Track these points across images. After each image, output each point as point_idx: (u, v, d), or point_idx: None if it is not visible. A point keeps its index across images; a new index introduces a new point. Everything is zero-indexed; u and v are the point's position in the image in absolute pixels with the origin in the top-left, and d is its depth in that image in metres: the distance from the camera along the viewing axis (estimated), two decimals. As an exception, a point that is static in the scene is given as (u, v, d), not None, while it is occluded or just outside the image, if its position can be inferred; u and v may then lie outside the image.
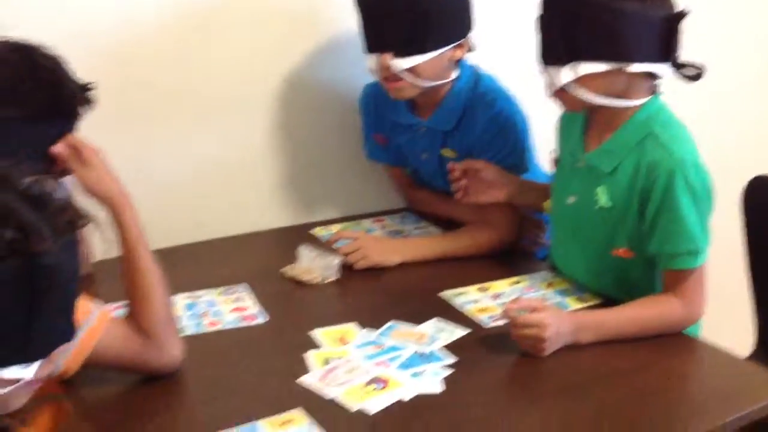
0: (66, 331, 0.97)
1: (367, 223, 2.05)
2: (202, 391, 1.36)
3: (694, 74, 1.51)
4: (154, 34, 1.83)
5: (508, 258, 1.84)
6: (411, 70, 1.75)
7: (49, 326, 0.93)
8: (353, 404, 1.30)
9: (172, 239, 1.87)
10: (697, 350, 1.50)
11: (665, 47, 1.49)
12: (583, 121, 1.63)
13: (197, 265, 1.82)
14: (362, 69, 1.86)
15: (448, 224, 1.97)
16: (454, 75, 1.85)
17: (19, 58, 1.33)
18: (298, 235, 1.91)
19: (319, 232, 1.98)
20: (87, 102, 1.39)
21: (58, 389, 1.38)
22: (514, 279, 1.73)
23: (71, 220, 0.95)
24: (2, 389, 0.91)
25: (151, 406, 1.31)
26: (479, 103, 1.85)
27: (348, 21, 1.90)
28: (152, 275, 1.36)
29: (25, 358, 0.92)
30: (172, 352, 1.35)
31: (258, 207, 2.03)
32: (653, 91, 1.55)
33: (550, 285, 1.70)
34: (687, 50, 1.52)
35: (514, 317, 1.43)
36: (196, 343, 1.47)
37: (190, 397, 1.36)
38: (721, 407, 1.32)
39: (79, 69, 1.40)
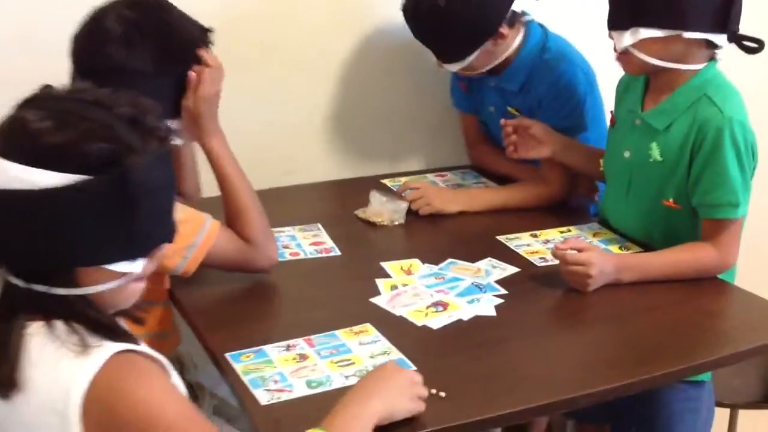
0: (164, 233, 1.11)
1: (431, 176, 2.23)
2: (288, 305, 1.59)
3: (754, 47, 1.64)
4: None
5: (560, 211, 2.00)
6: (463, 69, 2.00)
7: (148, 228, 1.06)
8: (417, 321, 1.50)
9: (256, 184, 2.07)
10: (727, 292, 1.66)
11: (721, 18, 1.62)
12: (643, 84, 1.77)
13: (279, 206, 2.00)
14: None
15: (506, 182, 2.14)
16: (516, 42, 2.00)
17: (139, 14, 1.50)
18: (368, 185, 2.09)
19: (388, 182, 2.17)
20: (207, 44, 1.56)
21: (165, 296, 1.61)
22: (564, 228, 1.90)
23: (162, 137, 1.08)
24: (115, 282, 1.07)
25: (244, 315, 1.53)
26: (543, 67, 2.01)
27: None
28: (245, 191, 1.59)
29: (131, 255, 1.06)
30: (270, 254, 1.59)
31: (334, 159, 2.23)
32: (711, 58, 1.69)
33: (596, 235, 1.86)
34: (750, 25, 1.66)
35: (563, 255, 1.60)
36: (281, 268, 1.67)
37: (277, 309, 1.59)
38: (745, 338, 1.50)
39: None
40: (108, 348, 1.04)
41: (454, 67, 2.00)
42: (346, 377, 1.33)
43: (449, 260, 1.73)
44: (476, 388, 1.32)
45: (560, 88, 2.00)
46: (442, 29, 1.93)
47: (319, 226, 1.89)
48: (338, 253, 1.77)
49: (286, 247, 1.79)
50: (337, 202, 2.08)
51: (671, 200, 1.71)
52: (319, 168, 2.21)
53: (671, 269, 1.65)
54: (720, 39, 1.65)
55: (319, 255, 1.77)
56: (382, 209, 1.92)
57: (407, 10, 1.99)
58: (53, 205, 1.01)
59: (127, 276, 1.08)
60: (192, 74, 1.54)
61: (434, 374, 1.33)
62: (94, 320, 1.07)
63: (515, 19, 1.97)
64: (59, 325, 1.05)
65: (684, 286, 1.63)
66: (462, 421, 1.25)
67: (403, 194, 2.00)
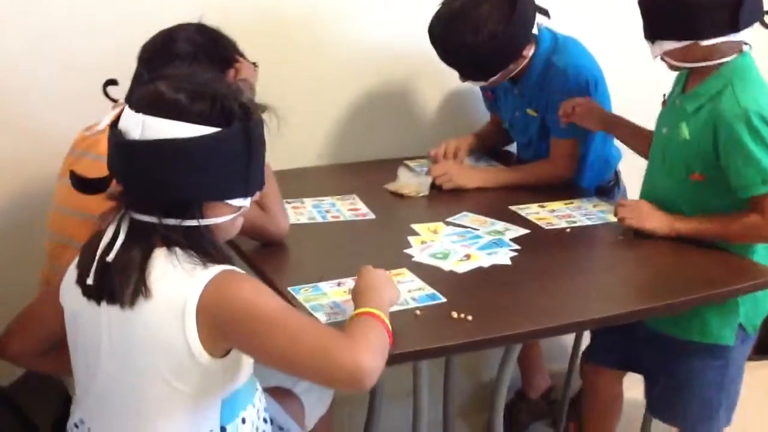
0: (262, 180, 1.40)
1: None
2: (334, 254, 1.88)
3: None
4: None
5: (564, 188, 2.27)
6: (489, 82, 2.22)
7: (256, 173, 1.37)
8: (445, 267, 1.78)
9: (294, 163, 2.36)
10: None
11: (732, 21, 1.79)
12: (687, 70, 1.99)
13: (320, 181, 2.32)
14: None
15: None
16: (531, 52, 2.22)
17: (208, 38, 1.81)
18: (394, 166, 2.37)
19: (410, 163, 2.45)
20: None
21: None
22: (567, 200, 2.18)
23: (261, 109, 1.40)
24: (230, 215, 1.36)
25: (300, 261, 1.83)
26: (553, 71, 2.23)
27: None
28: None
29: (245, 193, 1.37)
30: (281, 224, 1.81)
31: (364, 141, 2.52)
32: (740, 50, 1.87)
33: (595, 206, 2.15)
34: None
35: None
36: (325, 227, 1.97)
37: (326, 257, 1.87)
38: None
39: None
40: (216, 267, 1.31)
41: (477, 85, 2.27)
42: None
43: (464, 212, 2.05)
44: (498, 315, 1.60)
45: (569, 90, 2.22)
46: (469, 59, 2.14)
47: (355, 196, 2.17)
48: (373, 216, 2.06)
49: (327, 211, 2.07)
50: (367, 178, 2.34)
51: (697, 173, 1.92)
52: (349, 150, 2.49)
53: (721, 229, 1.87)
54: (742, 35, 1.82)
55: (357, 218, 2.05)
56: (410, 182, 2.21)
57: (434, 36, 2.16)
58: (197, 149, 1.29)
59: (239, 210, 1.37)
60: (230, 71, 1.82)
61: (462, 304, 1.61)
62: (205, 249, 1.33)
63: (531, 37, 2.20)
64: (178, 251, 1.31)
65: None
66: (485, 336, 1.53)
67: (427, 170, 2.28)
